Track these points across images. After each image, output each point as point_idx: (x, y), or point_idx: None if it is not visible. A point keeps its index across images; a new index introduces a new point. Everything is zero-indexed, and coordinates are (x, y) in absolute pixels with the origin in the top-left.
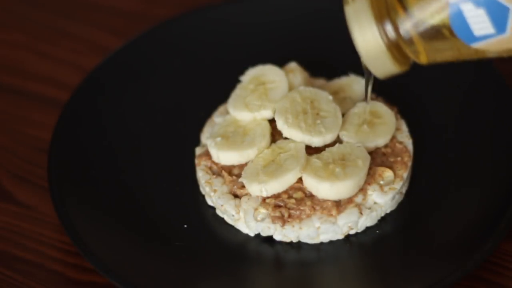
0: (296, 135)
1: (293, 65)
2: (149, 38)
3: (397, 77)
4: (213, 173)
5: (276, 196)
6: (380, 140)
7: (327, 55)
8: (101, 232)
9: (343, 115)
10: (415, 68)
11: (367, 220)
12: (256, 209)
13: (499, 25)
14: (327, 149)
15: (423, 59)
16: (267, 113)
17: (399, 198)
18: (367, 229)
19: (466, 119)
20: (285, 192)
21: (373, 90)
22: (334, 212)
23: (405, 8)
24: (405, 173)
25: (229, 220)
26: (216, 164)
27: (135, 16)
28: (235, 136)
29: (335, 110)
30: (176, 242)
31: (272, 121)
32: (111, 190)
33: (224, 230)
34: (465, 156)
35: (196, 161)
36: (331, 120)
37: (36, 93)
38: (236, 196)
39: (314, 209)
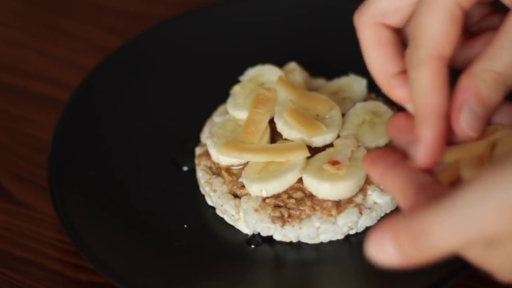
0: (296, 135)
1: (293, 65)
2: (149, 38)
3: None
4: (213, 173)
5: (276, 196)
6: (380, 140)
7: (327, 55)
8: (101, 232)
9: (343, 115)
10: None
11: (367, 220)
12: (256, 210)
13: None
14: (327, 149)
15: None
16: None
17: None
18: (367, 229)
19: None
20: (285, 192)
21: (373, 90)
22: (334, 212)
23: None
24: None
25: (229, 220)
26: (216, 164)
27: (135, 16)
28: (235, 136)
29: (334, 110)
30: (176, 242)
31: (271, 122)
32: (111, 190)
33: (224, 230)
34: None
35: (196, 161)
36: (331, 120)
37: (36, 93)
38: (236, 196)
39: (314, 209)
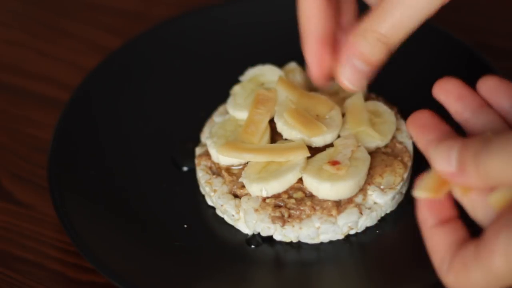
0: (296, 135)
1: (293, 65)
2: (149, 38)
3: (397, 77)
4: (213, 173)
5: (276, 196)
6: (380, 140)
7: None
8: (101, 232)
9: (343, 115)
10: (415, 68)
11: (367, 220)
12: (256, 210)
13: None
14: (327, 149)
15: None
16: None
17: (399, 198)
18: (367, 229)
19: None
20: (285, 192)
21: (373, 90)
22: (334, 212)
23: None
24: (405, 173)
25: (229, 220)
26: (216, 164)
27: (135, 16)
28: (235, 136)
29: (334, 110)
30: (176, 242)
31: (272, 122)
32: (110, 190)
33: (224, 230)
34: None
35: (196, 161)
36: (331, 120)
37: (36, 93)
38: (236, 196)
39: (314, 209)
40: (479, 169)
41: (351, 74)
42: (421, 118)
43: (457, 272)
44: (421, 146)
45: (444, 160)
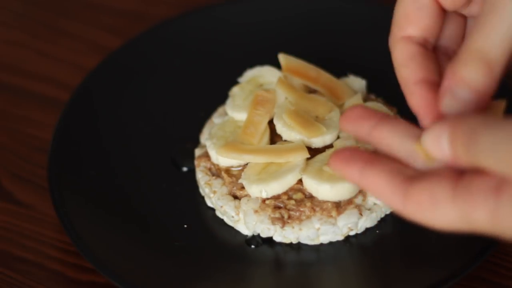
0: (296, 137)
1: None
2: (148, 38)
3: (397, 78)
4: (213, 174)
5: (276, 197)
6: None
7: (327, 56)
8: (101, 232)
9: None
10: None
11: (367, 221)
12: (256, 211)
13: None
14: (327, 150)
15: None
16: None
17: None
18: (367, 230)
19: None
20: (285, 193)
21: (373, 91)
22: (334, 213)
23: None
24: None
25: (228, 221)
26: (216, 165)
27: (135, 16)
28: (234, 137)
29: (334, 111)
30: (176, 242)
31: (271, 123)
32: (110, 190)
33: (223, 231)
34: None
35: (196, 162)
36: (331, 121)
37: (36, 93)
38: (235, 197)
39: (314, 210)
40: (470, 158)
41: (454, 104)
42: (354, 113)
43: (420, 203)
44: (363, 135)
45: (436, 147)
